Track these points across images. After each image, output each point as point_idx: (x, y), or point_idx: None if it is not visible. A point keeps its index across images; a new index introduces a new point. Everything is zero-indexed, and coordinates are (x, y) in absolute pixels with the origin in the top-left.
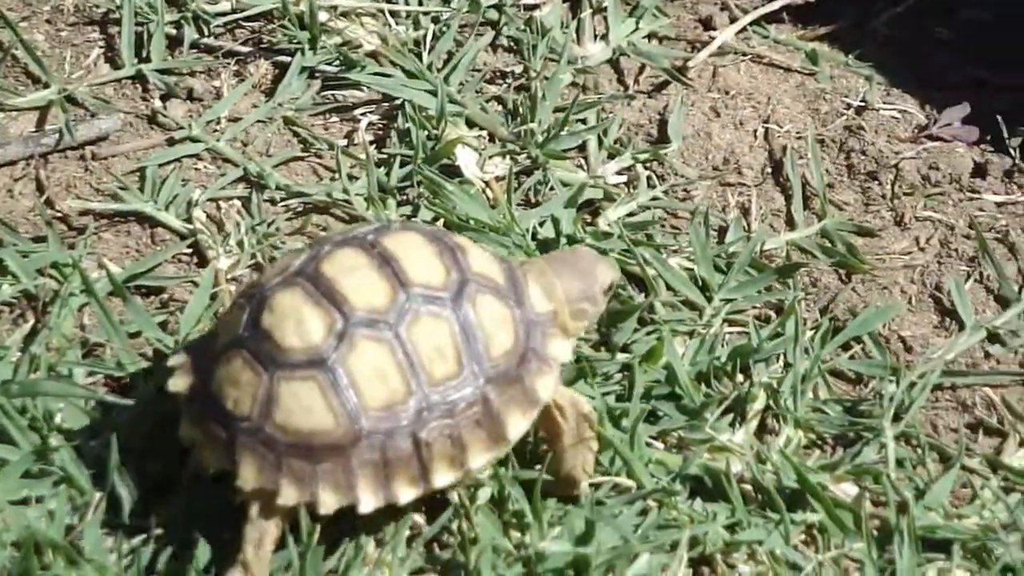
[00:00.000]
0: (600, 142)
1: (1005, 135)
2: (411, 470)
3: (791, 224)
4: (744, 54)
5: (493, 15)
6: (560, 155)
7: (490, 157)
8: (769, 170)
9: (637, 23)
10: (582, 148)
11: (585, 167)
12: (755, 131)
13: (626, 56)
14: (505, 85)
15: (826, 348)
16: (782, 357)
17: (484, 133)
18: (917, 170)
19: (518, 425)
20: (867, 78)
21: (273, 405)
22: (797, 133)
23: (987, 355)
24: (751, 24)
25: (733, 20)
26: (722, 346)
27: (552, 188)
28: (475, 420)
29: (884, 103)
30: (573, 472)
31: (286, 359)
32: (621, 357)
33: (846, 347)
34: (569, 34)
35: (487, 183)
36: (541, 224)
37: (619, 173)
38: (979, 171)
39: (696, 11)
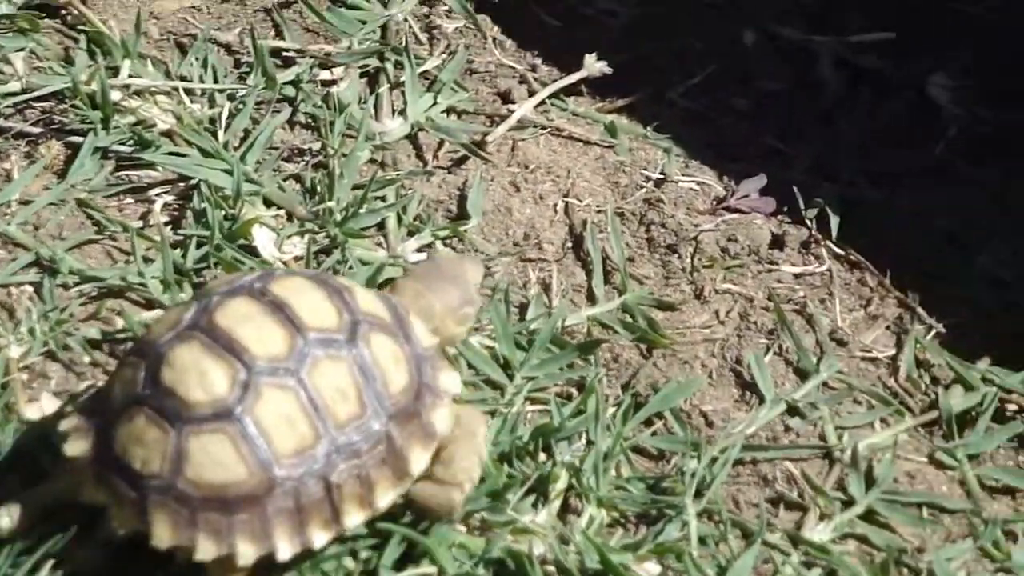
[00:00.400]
0: (399, 220)
1: (801, 206)
2: (324, 513)
3: (592, 299)
4: (543, 127)
5: (290, 91)
6: (359, 234)
7: (288, 236)
8: (570, 245)
9: (435, 98)
10: (381, 226)
11: (385, 245)
12: (555, 205)
13: (425, 131)
14: (303, 163)
15: (628, 425)
16: (585, 435)
17: (282, 212)
18: (716, 242)
19: (420, 460)
20: (666, 150)
21: (183, 461)
22: (597, 207)
23: (787, 428)
24: (550, 97)
25: (532, 93)
26: (524, 425)
27: (351, 267)
28: (381, 458)
29: (683, 175)
30: (459, 475)
31: (192, 414)
32: None
33: (648, 423)
34: (367, 110)
35: (285, 263)
36: None
37: (419, 251)
38: (777, 242)
39: (495, 85)
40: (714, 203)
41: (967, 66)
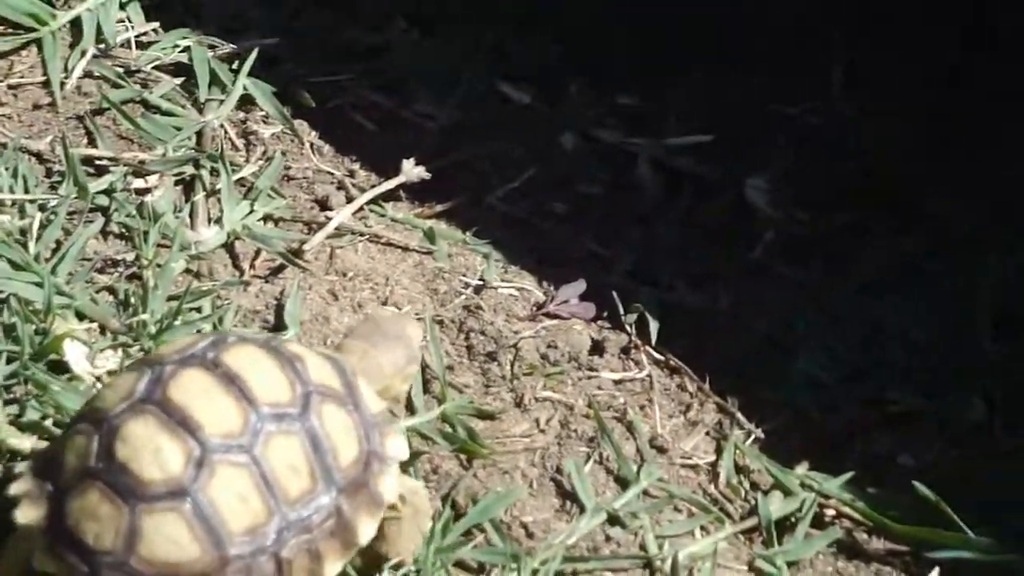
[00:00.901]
0: (215, 330)
1: (621, 311)
2: None
3: (411, 409)
4: (361, 234)
5: (103, 200)
6: None
7: (101, 350)
8: None
9: (252, 205)
10: None
11: None
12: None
13: (241, 240)
14: (116, 274)
15: (448, 538)
16: None
17: (95, 325)
18: (536, 349)
19: (367, 529)
20: (485, 255)
21: (136, 539)
22: (416, 314)
23: (607, 538)
24: (368, 203)
25: (350, 200)
26: None
27: None
28: (330, 531)
29: (502, 281)
30: (402, 552)
31: (146, 491)
32: None
33: (468, 535)
34: (182, 219)
35: (98, 378)
36: None
37: None
38: (597, 348)
39: (312, 191)
40: (534, 309)
41: (785, 168)
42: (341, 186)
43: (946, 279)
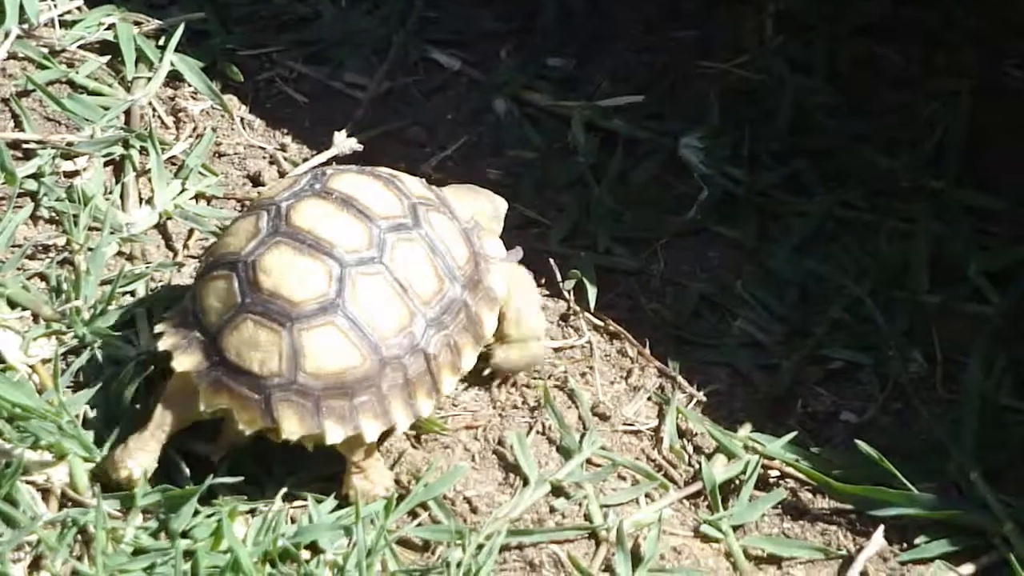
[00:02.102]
0: (150, 315)
1: (559, 278)
2: (426, 384)
3: None
4: None
5: (32, 185)
6: (108, 332)
7: (35, 339)
8: None
9: (183, 184)
10: (131, 323)
11: (135, 343)
12: None
13: (174, 220)
14: (48, 260)
15: (391, 518)
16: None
17: (27, 313)
18: None
19: (491, 322)
20: None
21: (300, 356)
22: None
23: (552, 509)
24: None
25: (282, 174)
26: (287, 523)
27: (103, 368)
28: (463, 326)
29: None
30: (534, 332)
31: (300, 312)
32: (183, 543)
33: (413, 514)
34: (113, 200)
35: (32, 367)
36: (92, 407)
37: None
38: None
39: (244, 167)
40: None
41: (717, 126)
42: (273, 160)
43: (882, 231)
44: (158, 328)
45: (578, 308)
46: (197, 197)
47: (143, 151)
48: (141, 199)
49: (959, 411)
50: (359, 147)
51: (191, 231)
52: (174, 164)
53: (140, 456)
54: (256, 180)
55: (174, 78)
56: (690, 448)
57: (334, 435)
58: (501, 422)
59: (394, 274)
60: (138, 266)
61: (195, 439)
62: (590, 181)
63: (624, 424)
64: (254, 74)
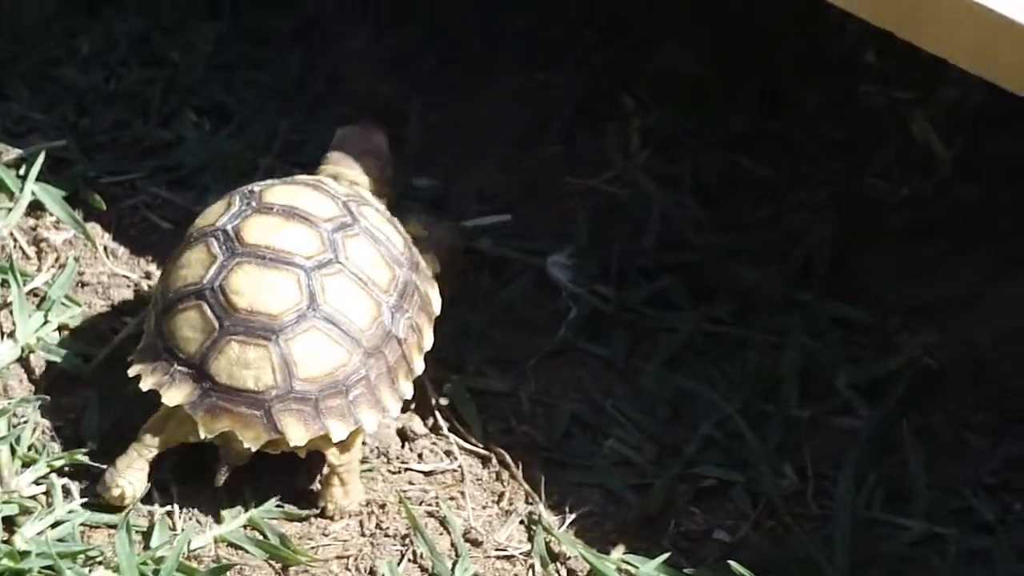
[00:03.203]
0: (12, 452)
1: (432, 401)
2: (404, 367)
3: (217, 518)
4: None
5: None
6: None
7: None
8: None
9: (46, 316)
10: None
11: None
12: None
13: (36, 353)
14: None
15: None
16: None
17: None
18: None
19: (436, 296)
20: None
21: (292, 365)
22: None
23: None
24: None
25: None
26: None
27: None
28: (418, 306)
29: None
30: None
31: (282, 323)
32: None
33: None
34: None
35: None
36: None
37: (36, 483)
38: (406, 441)
39: (108, 296)
40: None
41: (585, 243)
42: (138, 289)
43: (751, 346)
44: (133, 371)
45: (449, 431)
46: (60, 329)
47: (4, 284)
48: (3, 333)
49: (831, 527)
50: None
51: (54, 364)
52: (36, 296)
53: (130, 475)
54: (121, 309)
55: (35, 207)
56: (563, 572)
57: (338, 432)
58: (372, 551)
59: (352, 270)
60: (0, 402)
61: None
62: (459, 302)
63: (496, 550)
64: (117, 201)
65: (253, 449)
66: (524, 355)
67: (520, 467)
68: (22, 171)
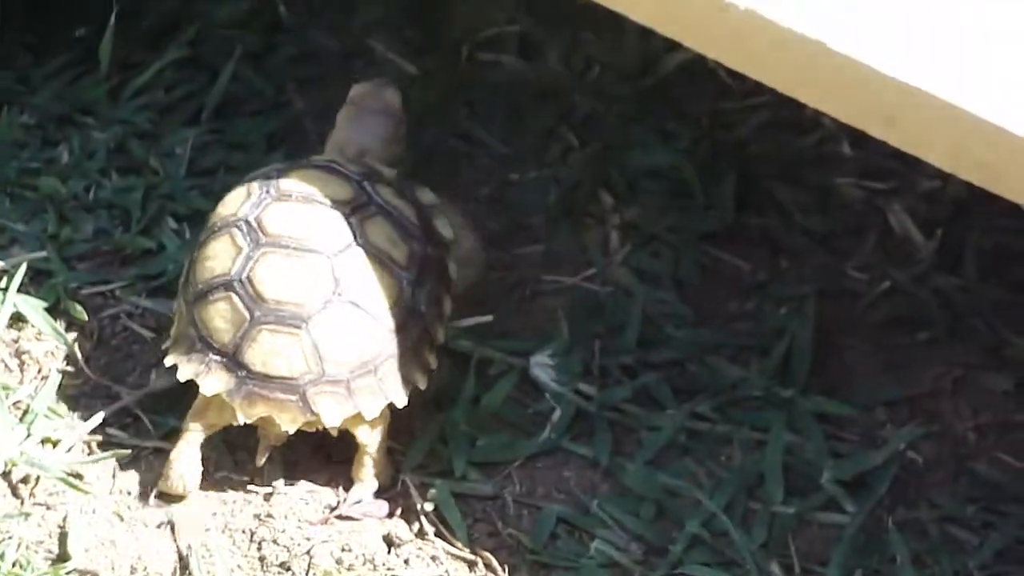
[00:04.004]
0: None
1: (418, 506)
2: (426, 340)
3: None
4: (143, 448)
5: None
6: None
7: None
8: (179, 572)
9: (29, 429)
10: None
11: None
12: (162, 530)
13: (18, 467)
14: None
15: None
16: None
17: None
18: (330, 554)
19: (452, 267)
20: (270, 457)
21: (322, 351)
22: (205, 527)
23: None
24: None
25: (130, 414)
26: None
27: None
28: (436, 278)
29: (290, 485)
30: (470, 245)
31: (312, 311)
32: None
33: None
34: None
35: None
36: None
37: None
38: (392, 547)
39: (90, 407)
40: (326, 511)
41: (567, 342)
42: (119, 398)
43: (735, 442)
44: (169, 361)
45: (434, 536)
46: (43, 442)
47: None
48: None
49: None
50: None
51: (37, 477)
52: (18, 408)
53: (182, 465)
54: (105, 422)
55: (17, 320)
56: None
57: (370, 410)
58: None
59: (371, 252)
60: None
61: None
62: (444, 404)
63: None
64: (99, 311)
65: (291, 431)
66: (509, 457)
67: (507, 571)
68: (3, 283)
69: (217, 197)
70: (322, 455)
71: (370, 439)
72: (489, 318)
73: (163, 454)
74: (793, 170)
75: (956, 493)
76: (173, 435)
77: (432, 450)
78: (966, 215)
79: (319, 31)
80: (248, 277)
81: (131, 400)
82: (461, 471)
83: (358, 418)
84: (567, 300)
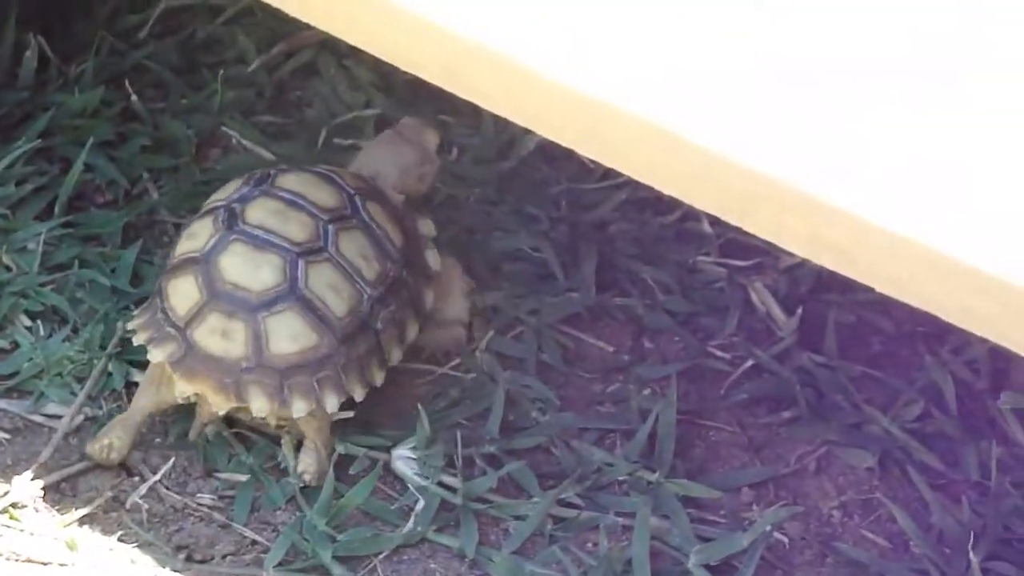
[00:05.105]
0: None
1: None
2: (376, 356)
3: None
4: None
5: None
6: None
7: None
8: None
9: None
10: None
11: None
12: None
13: None
14: None
15: None
16: None
17: None
18: None
19: (428, 297)
20: (132, 560)
21: (262, 341)
22: None
23: None
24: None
25: None
26: None
27: None
28: (404, 301)
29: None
30: (457, 316)
31: (261, 300)
32: None
33: None
34: None
35: None
36: None
37: None
38: None
39: None
40: None
41: (429, 435)
42: None
43: (601, 528)
44: (131, 325)
45: None
46: None
47: None
48: None
49: None
50: (39, 492)
51: None
52: None
53: (118, 433)
54: None
55: None
56: None
57: (299, 408)
58: None
59: (340, 260)
60: None
61: None
62: (308, 501)
63: None
64: None
65: (220, 413)
66: (373, 550)
67: None
68: None
69: (70, 293)
70: (183, 555)
71: (305, 424)
72: (350, 413)
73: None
74: (654, 249)
75: (822, 573)
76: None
77: (294, 545)
78: (826, 291)
79: (173, 119)
80: (214, 259)
81: None
82: (325, 566)
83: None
84: (430, 390)
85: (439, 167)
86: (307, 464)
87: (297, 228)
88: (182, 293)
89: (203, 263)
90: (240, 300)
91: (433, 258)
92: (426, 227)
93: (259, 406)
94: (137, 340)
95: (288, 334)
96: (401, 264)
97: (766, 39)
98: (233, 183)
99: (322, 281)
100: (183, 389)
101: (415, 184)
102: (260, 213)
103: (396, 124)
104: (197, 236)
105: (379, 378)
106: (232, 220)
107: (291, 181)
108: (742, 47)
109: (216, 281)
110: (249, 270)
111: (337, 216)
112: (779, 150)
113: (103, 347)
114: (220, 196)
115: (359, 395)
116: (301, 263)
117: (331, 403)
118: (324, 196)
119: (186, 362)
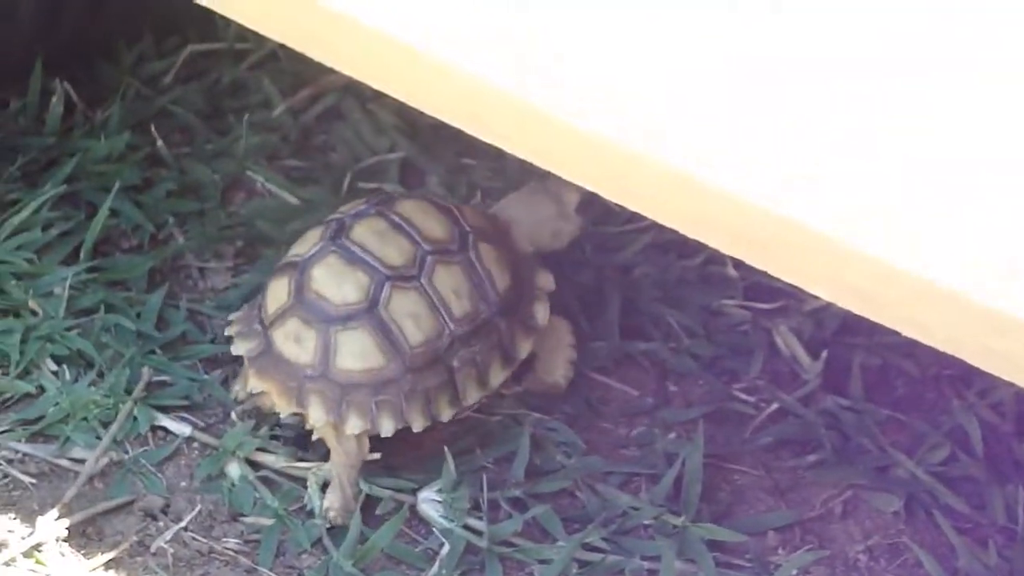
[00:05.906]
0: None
1: None
2: (447, 392)
3: None
4: None
5: None
6: None
7: None
8: None
9: None
10: None
11: None
12: None
13: None
14: None
15: None
16: None
17: None
18: None
19: (524, 347)
20: None
21: (331, 353)
22: None
23: None
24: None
25: (9, 562)
26: None
27: None
28: (491, 345)
29: None
30: (554, 374)
31: (338, 313)
32: None
33: None
34: None
35: None
36: None
37: None
38: None
39: None
40: None
41: (455, 478)
42: (3, 545)
43: (627, 571)
44: (232, 316)
45: None
46: None
47: None
48: None
49: None
50: (64, 532)
51: None
52: None
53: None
54: None
55: None
56: None
57: (353, 425)
58: None
59: (429, 291)
60: None
61: None
62: (333, 543)
63: None
64: None
65: (282, 415)
66: None
67: None
68: None
69: (96, 337)
70: None
71: (339, 460)
72: (376, 456)
73: None
74: (678, 293)
75: None
76: None
77: None
78: (851, 334)
79: (198, 163)
80: (308, 267)
81: (18, 551)
82: None
83: (340, 430)
84: (456, 433)
85: (580, 227)
86: (333, 501)
87: (395, 252)
88: (275, 294)
89: (299, 269)
90: (319, 310)
91: (542, 312)
92: (544, 280)
93: (316, 416)
94: (228, 331)
95: (355, 351)
96: (498, 309)
97: (788, 89)
98: (355, 202)
99: (404, 308)
100: (254, 385)
101: (548, 239)
102: (364, 231)
103: (539, 179)
104: (306, 241)
105: (447, 414)
106: (338, 233)
107: (408, 207)
108: (765, 95)
109: (304, 288)
110: (335, 283)
111: (440, 249)
112: (797, 194)
113: (128, 391)
114: (342, 209)
115: (418, 426)
116: (387, 286)
117: (386, 427)
118: (434, 227)
119: (260, 360)
